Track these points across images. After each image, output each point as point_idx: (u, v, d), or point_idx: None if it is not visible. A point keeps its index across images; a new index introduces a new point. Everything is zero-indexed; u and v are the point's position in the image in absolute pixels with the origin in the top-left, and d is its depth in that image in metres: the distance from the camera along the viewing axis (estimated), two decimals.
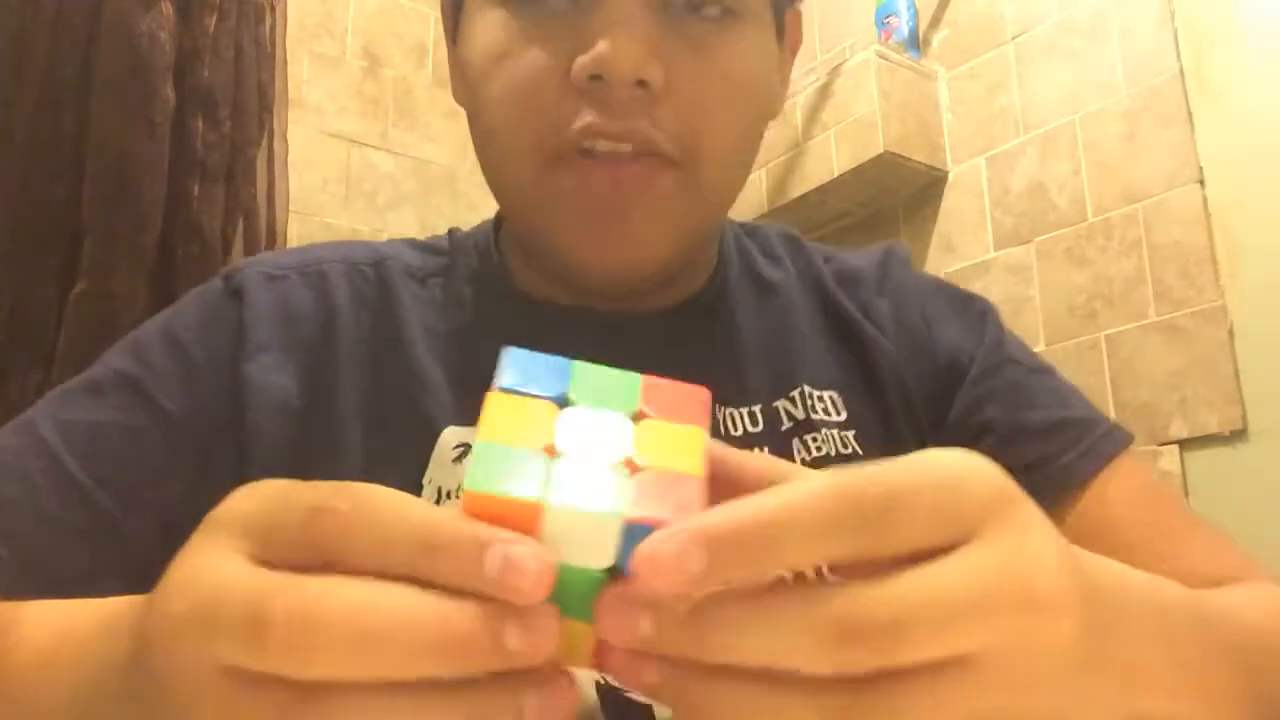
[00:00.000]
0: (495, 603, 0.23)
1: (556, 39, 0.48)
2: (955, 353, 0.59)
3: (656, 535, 0.24)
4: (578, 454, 0.26)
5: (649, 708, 0.47)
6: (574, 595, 0.24)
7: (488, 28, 0.50)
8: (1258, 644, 0.37)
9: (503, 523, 0.24)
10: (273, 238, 1.82)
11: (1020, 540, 0.25)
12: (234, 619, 0.23)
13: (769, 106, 0.56)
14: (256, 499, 0.27)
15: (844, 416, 0.56)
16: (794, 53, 0.60)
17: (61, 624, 0.35)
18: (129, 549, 0.48)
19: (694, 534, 0.24)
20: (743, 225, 0.66)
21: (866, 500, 0.24)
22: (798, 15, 0.59)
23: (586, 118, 0.47)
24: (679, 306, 0.58)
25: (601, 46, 0.46)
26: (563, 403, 0.27)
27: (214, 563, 0.25)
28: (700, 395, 0.28)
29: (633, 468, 0.26)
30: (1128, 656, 0.28)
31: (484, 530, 0.24)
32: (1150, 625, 0.30)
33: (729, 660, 0.24)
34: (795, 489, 0.25)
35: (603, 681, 0.47)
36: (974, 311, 0.62)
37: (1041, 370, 0.60)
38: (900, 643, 0.23)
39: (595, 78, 0.47)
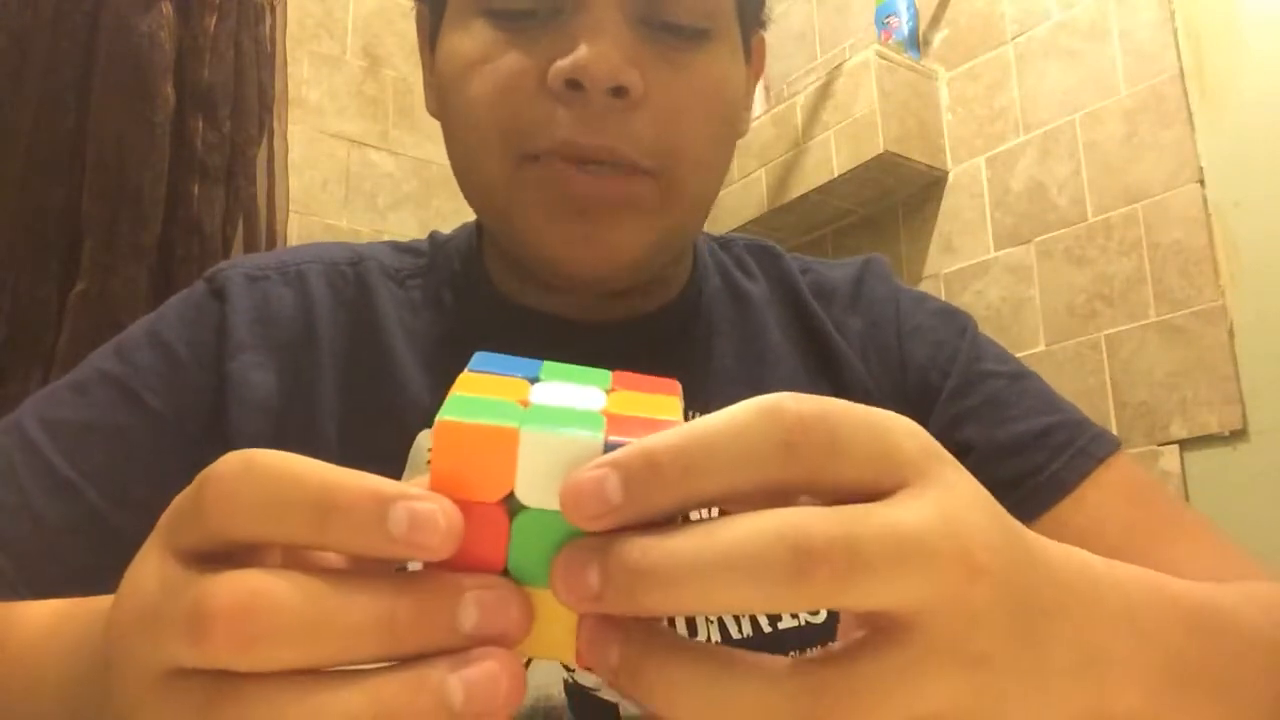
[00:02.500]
0: (447, 578, 0.23)
1: (535, 45, 0.48)
2: (926, 371, 0.59)
3: (584, 467, 0.23)
4: (553, 404, 0.26)
5: (615, 707, 0.47)
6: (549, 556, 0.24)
7: (467, 36, 0.50)
8: (1253, 644, 0.37)
9: (476, 454, 0.23)
10: (273, 238, 1.82)
11: (950, 496, 0.24)
12: (176, 618, 0.23)
13: (738, 125, 0.56)
14: (181, 495, 0.26)
15: None
16: (757, 78, 0.60)
17: (51, 622, 0.35)
18: (125, 547, 0.48)
19: (610, 460, 0.23)
20: (715, 238, 0.66)
21: (806, 422, 0.23)
22: (762, 42, 0.60)
23: (563, 127, 0.47)
24: (655, 314, 0.58)
25: (580, 52, 0.46)
26: (534, 381, 0.27)
27: (150, 565, 0.25)
28: (672, 384, 0.28)
29: (610, 415, 0.25)
30: (1086, 645, 0.27)
31: (386, 486, 0.23)
32: (1121, 617, 0.29)
33: (677, 602, 0.22)
34: (724, 411, 0.23)
35: (571, 680, 0.47)
36: (953, 326, 0.61)
37: (1024, 376, 0.60)
38: (854, 571, 0.22)
39: (573, 84, 0.47)
